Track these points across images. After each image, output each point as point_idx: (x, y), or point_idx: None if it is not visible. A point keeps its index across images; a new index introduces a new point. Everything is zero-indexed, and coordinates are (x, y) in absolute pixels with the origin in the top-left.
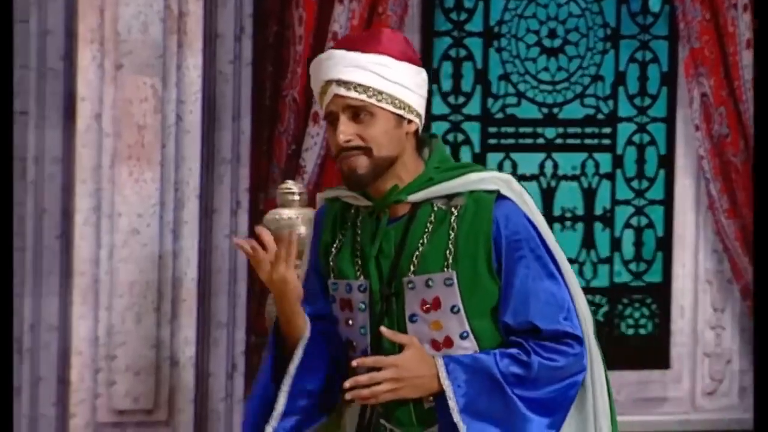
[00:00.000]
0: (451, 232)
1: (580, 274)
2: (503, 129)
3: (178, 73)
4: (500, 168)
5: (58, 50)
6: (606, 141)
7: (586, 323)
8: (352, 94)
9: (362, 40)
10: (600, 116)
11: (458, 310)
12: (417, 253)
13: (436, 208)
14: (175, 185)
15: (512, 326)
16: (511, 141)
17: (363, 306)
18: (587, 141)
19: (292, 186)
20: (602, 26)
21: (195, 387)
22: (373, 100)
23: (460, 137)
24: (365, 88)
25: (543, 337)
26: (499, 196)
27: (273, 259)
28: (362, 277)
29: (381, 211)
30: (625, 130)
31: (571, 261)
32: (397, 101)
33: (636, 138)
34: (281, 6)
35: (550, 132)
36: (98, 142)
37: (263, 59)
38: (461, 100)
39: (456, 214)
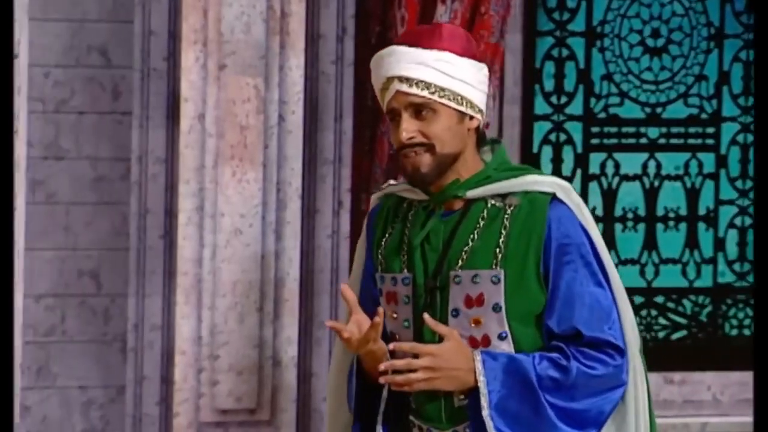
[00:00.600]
0: (503, 230)
1: (684, 274)
2: (606, 129)
3: (281, 73)
4: (603, 168)
5: (161, 51)
6: (710, 141)
7: (632, 339)
8: (414, 90)
9: (424, 36)
10: (704, 116)
11: (500, 309)
12: (466, 248)
13: (489, 205)
14: (278, 185)
15: (555, 331)
16: (614, 141)
17: (407, 299)
18: (691, 141)
19: None
20: (706, 25)
21: (297, 387)
22: (435, 97)
23: (563, 137)
24: (427, 85)
25: (584, 344)
26: (555, 199)
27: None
28: (407, 270)
29: (437, 204)
30: (729, 129)
31: (674, 261)
32: (459, 98)
33: (740, 138)
34: (383, 6)
35: (653, 132)
36: (201, 143)
37: (365, 60)
38: (564, 100)
39: (509, 212)
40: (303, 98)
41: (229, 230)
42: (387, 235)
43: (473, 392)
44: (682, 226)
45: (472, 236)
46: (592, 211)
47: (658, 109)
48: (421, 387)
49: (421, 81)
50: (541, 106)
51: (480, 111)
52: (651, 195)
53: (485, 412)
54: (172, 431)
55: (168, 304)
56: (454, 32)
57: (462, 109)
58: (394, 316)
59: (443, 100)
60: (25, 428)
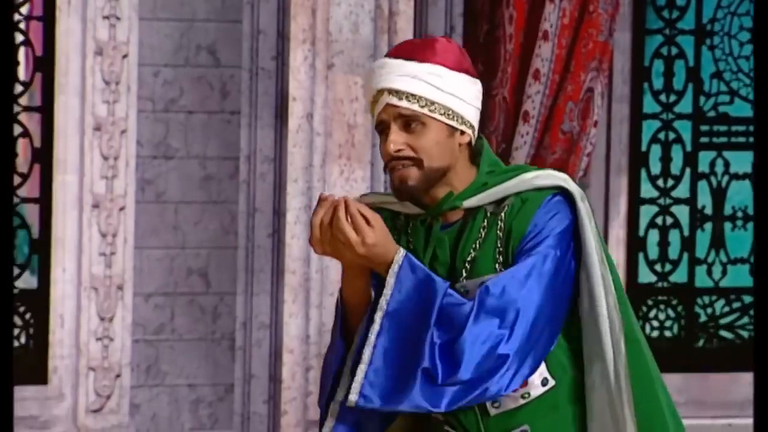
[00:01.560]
0: (499, 232)
1: None
2: (715, 127)
3: None
4: (712, 167)
5: (270, 50)
6: None
7: (608, 343)
8: (404, 103)
9: (417, 50)
10: None
11: None
12: (469, 258)
13: (489, 214)
14: (385, 184)
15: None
16: (724, 139)
17: None
18: None
19: None
20: None
21: None
22: (425, 110)
23: (672, 136)
24: (417, 98)
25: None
26: (556, 195)
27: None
28: None
29: (434, 218)
30: None
31: None
32: (450, 112)
33: None
34: (492, 5)
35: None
36: (309, 142)
37: (473, 58)
38: (673, 98)
39: (503, 215)
40: None
41: None
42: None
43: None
44: None
45: (473, 246)
46: (701, 210)
47: None
48: (322, 235)
49: (411, 94)
50: (650, 105)
51: (471, 126)
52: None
53: (378, 315)
54: (280, 430)
55: (276, 302)
56: (447, 47)
57: (452, 123)
58: None
59: (433, 114)
60: (134, 426)
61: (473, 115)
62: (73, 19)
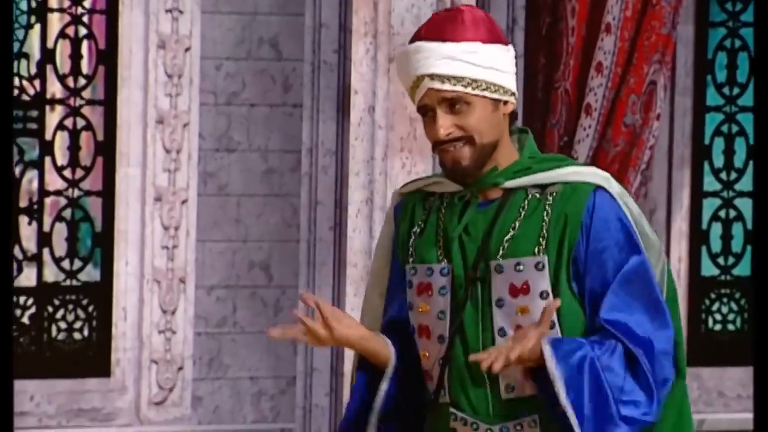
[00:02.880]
0: (545, 216)
1: None
2: None
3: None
4: None
5: (332, 43)
6: None
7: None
8: (447, 86)
9: (447, 28)
10: None
11: (547, 296)
12: (508, 237)
13: (530, 196)
14: None
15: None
16: None
17: (444, 290)
18: None
19: None
20: None
21: None
22: (468, 90)
23: (735, 129)
24: (459, 79)
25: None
26: (598, 189)
27: (324, 325)
28: (445, 261)
29: (473, 194)
30: None
31: None
32: (492, 86)
33: None
34: None
35: None
36: (371, 135)
37: (536, 50)
38: (736, 91)
39: (551, 200)
40: None
41: None
42: (417, 227)
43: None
44: None
45: (513, 225)
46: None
47: None
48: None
49: (453, 76)
50: (713, 98)
51: (513, 94)
52: None
53: (563, 400)
54: None
55: (338, 295)
56: (476, 19)
57: (496, 96)
58: (425, 308)
59: (476, 92)
60: (197, 419)
61: (512, 82)
62: (136, 12)
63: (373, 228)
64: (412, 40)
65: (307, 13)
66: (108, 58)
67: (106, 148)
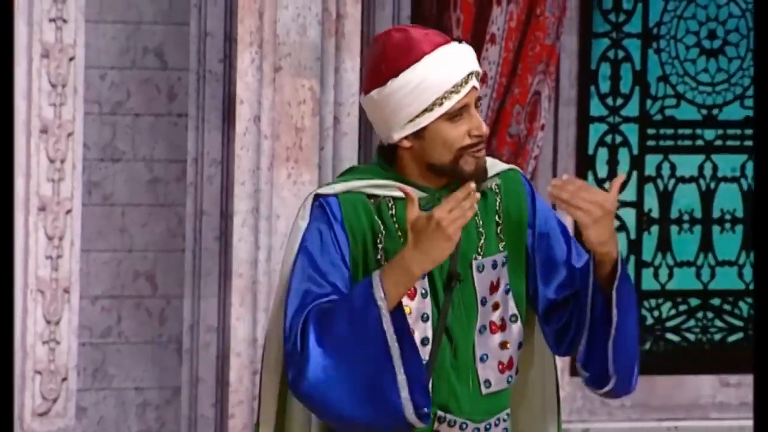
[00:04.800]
0: (498, 211)
1: (740, 276)
2: (662, 131)
3: (336, 75)
4: (659, 170)
5: (217, 53)
6: None
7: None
8: (478, 84)
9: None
10: None
11: (509, 290)
12: (481, 238)
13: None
14: None
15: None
16: (670, 143)
17: (425, 292)
18: (747, 143)
19: None
20: None
21: None
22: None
23: (618, 139)
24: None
25: None
26: (517, 171)
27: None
28: None
29: (441, 197)
30: None
31: (730, 263)
32: None
33: None
34: (439, 8)
35: (709, 134)
36: (257, 145)
37: None
38: (619, 101)
39: (499, 194)
40: (358, 100)
41: (284, 232)
42: (382, 230)
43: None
44: (738, 228)
45: (477, 225)
46: (648, 213)
47: (715, 111)
48: (579, 217)
49: (479, 74)
50: (596, 108)
51: None
52: (707, 197)
53: (615, 317)
54: None
55: (223, 305)
56: None
57: None
58: (407, 310)
59: None
60: (81, 430)
61: None
62: (20, 21)
63: (258, 238)
64: (436, 44)
65: (192, 22)
66: None
67: None
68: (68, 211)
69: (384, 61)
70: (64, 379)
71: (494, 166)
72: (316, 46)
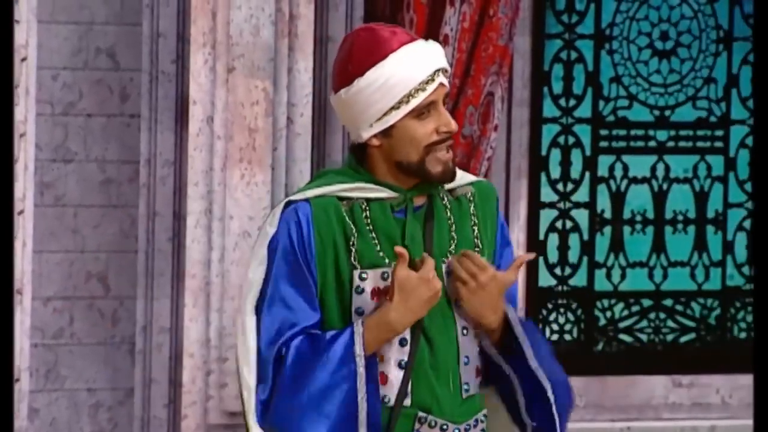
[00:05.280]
0: (473, 217)
1: (692, 277)
2: (614, 132)
3: (290, 76)
4: (611, 171)
5: (170, 54)
6: (718, 143)
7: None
8: (446, 82)
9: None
10: (712, 119)
11: None
12: (452, 241)
13: (445, 199)
14: (286, 188)
15: None
16: (623, 144)
17: None
18: (699, 144)
19: None
20: (715, 28)
21: None
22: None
23: (571, 140)
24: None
25: None
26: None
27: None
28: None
29: (410, 199)
30: (737, 132)
31: (682, 264)
32: None
33: (749, 141)
34: (392, 9)
35: (662, 135)
36: (210, 145)
37: None
38: (572, 102)
39: (474, 200)
40: (312, 101)
41: (238, 233)
42: (355, 233)
43: (505, 344)
44: (691, 229)
45: (450, 228)
46: (601, 214)
47: (667, 112)
48: (462, 295)
49: (447, 72)
50: (549, 109)
51: None
52: (659, 198)
53: (533, 364)
54: None
55: (176, 306)
56: None
57: None
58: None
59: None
60: (33, 431)
61: None
62: None
63: (211, 239)
64: (401, 42)
65: (144, 22)
66: None
67: None
68: (20, 212)
69: (350, 61)
70: (17, 380)
71: (466, 176)
72: (269, 47)
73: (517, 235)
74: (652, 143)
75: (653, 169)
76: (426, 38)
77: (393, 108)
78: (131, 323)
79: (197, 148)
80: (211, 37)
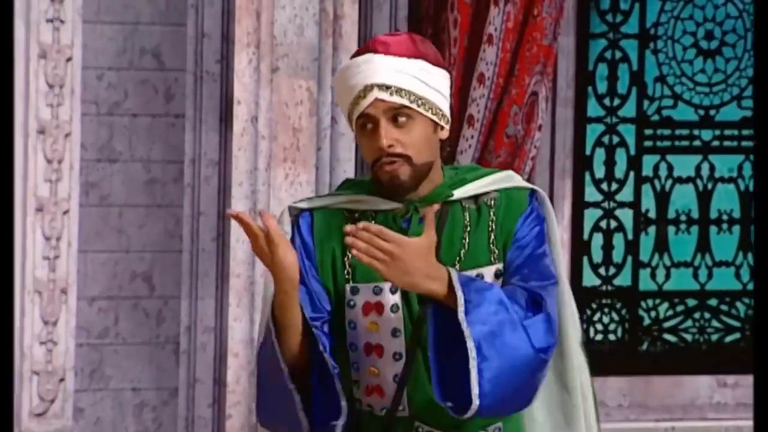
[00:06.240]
0: (491, 224)
1: (737, 277)
2: (659, 131)
3: (333, 75)
4: (656, 171)
5: (214, 54)
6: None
7: (572, 333)
8: (395, 98)
9: (397, 44)
10: None
11: None
12: (461, 249)
13: (467, 207)
14: (330, 188)
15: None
16: (667, 143)
17: (395, 307)
18: (744, 143)
19: None
20: None
21: None
22: (413, 105)
23: (615, 140)
24: (407, 93)
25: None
26: (533, 193)
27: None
28: None
29: (414, 210)
30: None
31: (727, 264)
32: (434, 108)
33: None
34: (436, 9)
35: (706, 134)
36: (254, 145)
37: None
38: (617, 102)
39: (493, 208)
40: None
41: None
42: (349, 248)
43: (435, 301)
44: (736, 228)
45: (463, 237)
46: (645, 213)
47: (712, 112)
48: (374, 266)
49: (401, 89)
50: (593, 109)
51: (449, 121)
52: (704, 197)
53: (461, 317)
54: None
55: (221, 306)
56: (424, 41)
57: (435, 119)
58: (375, 326)
59: (420, 109)
60: (78, 430)
61: (448, 109)
62: (17, 22)
63: None
64: (358, 54)
65: (189, 22)
66: None
67: None
68: (65, 212)
69: None
70: (62, 380)
71: (502, 181)
72: (313, 47)
73: (562, 234)
74: (696, 143)
75: (698, 168)
76: (470, 38)
77: (349, 119)
78: (176, 323)
79: (241, 148)
80: (255, 37)
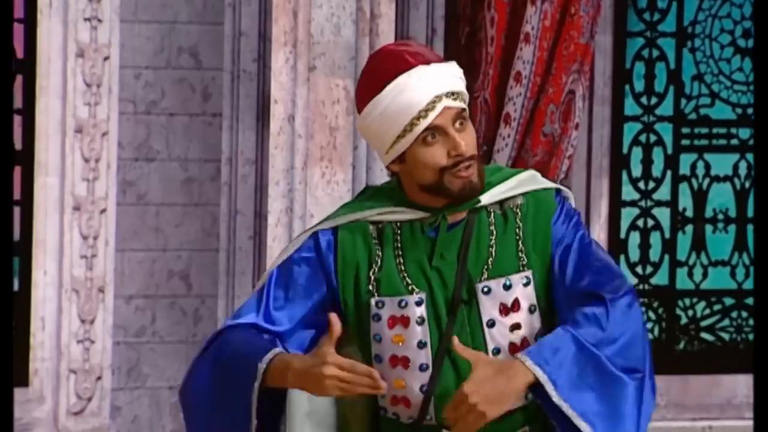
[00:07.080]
0: (518, 231)
1: None
2: (697, 130)
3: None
4: (693, 169)
5: (251, 53)
6: None
7: None
8: (459, 103)
9: (427, 52)
10: None
11: (535, 309)
12: (488, 257)
13: (493, 213)
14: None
15: (582, 289)
16: (705, 142)
17: (421, 320)
18: None
19: None
20: None
21: None
22: (466, 107)
23: (653, 138)
24: (464, 97)
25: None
26: (558, 193)
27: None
28: (417, 291)
29: (443, 218)
30: None
31: None
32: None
33: None
34: (473, 7)
35: (744, 133)
36: (291, 144)
37: (455, 60)
38: (654, 100)
39: (519, 214)
40: None
41: None
42: (377, 259)
43: (535, 388)
44: None
45: (490, 245)
46: (683, 212)
47: (749, 110)
48: (480, 424)
49: (461, 93)
50: (631, 107)
51: None
52: (742, 196)
53: (556, 399)
54: None
55: None
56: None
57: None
58: (401, 339)
59: (468, 110)
60: (115, 429)
61: None
62: (55, 21)
63: (292, 237)
64: (397, 70)
65: (226, 22)
66: (26, 66)
67: (25, 158)
68: (103, 211)
69: (358, 90)
70: (99, 378)
71: (527, 182)
72: (350, 46)
73: (598, 233)
74: (734, 141)
75: (735, 167)
76: (507, 36)
77: (399, 137)
78: (213, 321)
79: (278, 146)
80: (292, 36)
